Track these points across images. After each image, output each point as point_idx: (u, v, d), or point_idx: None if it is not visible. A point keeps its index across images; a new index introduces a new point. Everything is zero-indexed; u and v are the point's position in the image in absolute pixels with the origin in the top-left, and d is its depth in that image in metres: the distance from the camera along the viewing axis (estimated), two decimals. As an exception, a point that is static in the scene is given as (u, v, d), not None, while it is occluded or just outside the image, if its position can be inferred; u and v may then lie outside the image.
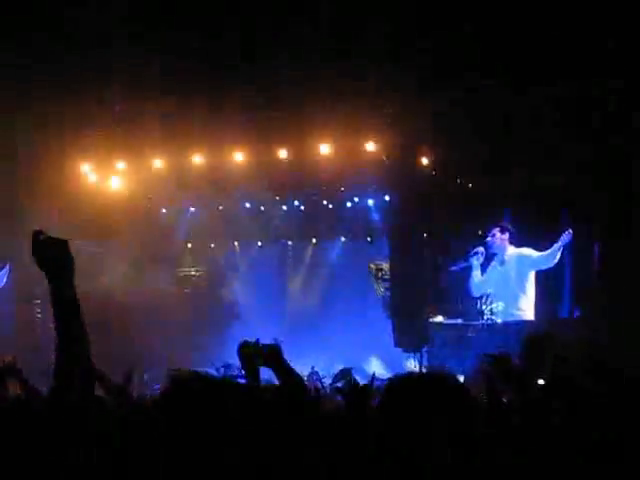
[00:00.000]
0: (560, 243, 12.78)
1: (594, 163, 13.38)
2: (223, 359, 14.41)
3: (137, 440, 1.71)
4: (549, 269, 13.28)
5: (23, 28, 13.33)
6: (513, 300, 13.21)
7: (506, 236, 13.48)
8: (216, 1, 13.61)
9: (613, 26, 12.45)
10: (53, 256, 2.53)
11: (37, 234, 2.58)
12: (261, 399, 1.82)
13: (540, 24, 12.73)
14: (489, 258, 13.58)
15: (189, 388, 1.72)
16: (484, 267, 13.55)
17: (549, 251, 12.98)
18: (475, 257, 13.31)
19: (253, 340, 4.17)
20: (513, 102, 14.31)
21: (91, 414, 2.45)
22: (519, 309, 13.26)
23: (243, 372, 1.62)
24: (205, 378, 1.75)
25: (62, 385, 2.49)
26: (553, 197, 13.49)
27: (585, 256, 13.25)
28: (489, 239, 13.36)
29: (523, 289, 13.22)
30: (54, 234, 2.59)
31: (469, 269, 13.64)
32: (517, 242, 13.52)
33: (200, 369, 1.87)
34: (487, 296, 13.50)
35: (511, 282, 13.24)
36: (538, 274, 13.53)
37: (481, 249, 13.32)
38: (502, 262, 13.46)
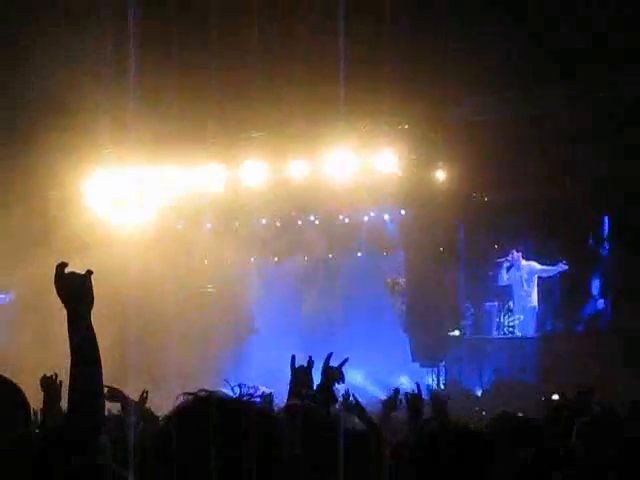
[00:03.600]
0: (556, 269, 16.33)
1: (608, 179, 13.72)
2: (240, 374, 14.43)
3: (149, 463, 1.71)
4: (549, 283, 16.63)
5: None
6: (526, 292, 16.85)
7: (520, 255, 16.77)
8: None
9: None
10: (73, 288, 2.74)
11: (61, 267, 2.77)
12: (278, 420, 1.81)
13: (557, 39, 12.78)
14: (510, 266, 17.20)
15: (203, 410, 1.73)
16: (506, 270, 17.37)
17: (547, 268, 16.56)
18: (508, 260, 16.98)
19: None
20: (528, 118, 14.37)
21: (102, 437, 2.56)
22: (528, 301, 16.96)
23: (257, 391, 1.62)
24: (221, 399, 1.75)
25: (76, 406, 2.65)
26: (561, 210, 15.48)
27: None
28: (510, 257, 16.68)
29: (531, 286, 16.81)
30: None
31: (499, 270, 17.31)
32: (528, 257, 16.78)
33: (215, 388, 1.87)
34: (506, 308, 16.70)
35: (523, 281, 16.87)
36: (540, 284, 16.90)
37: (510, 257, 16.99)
38: (518, 269, 16.78)
